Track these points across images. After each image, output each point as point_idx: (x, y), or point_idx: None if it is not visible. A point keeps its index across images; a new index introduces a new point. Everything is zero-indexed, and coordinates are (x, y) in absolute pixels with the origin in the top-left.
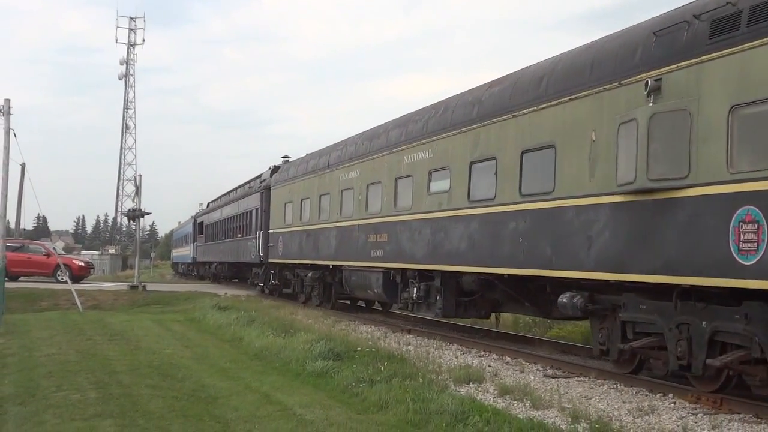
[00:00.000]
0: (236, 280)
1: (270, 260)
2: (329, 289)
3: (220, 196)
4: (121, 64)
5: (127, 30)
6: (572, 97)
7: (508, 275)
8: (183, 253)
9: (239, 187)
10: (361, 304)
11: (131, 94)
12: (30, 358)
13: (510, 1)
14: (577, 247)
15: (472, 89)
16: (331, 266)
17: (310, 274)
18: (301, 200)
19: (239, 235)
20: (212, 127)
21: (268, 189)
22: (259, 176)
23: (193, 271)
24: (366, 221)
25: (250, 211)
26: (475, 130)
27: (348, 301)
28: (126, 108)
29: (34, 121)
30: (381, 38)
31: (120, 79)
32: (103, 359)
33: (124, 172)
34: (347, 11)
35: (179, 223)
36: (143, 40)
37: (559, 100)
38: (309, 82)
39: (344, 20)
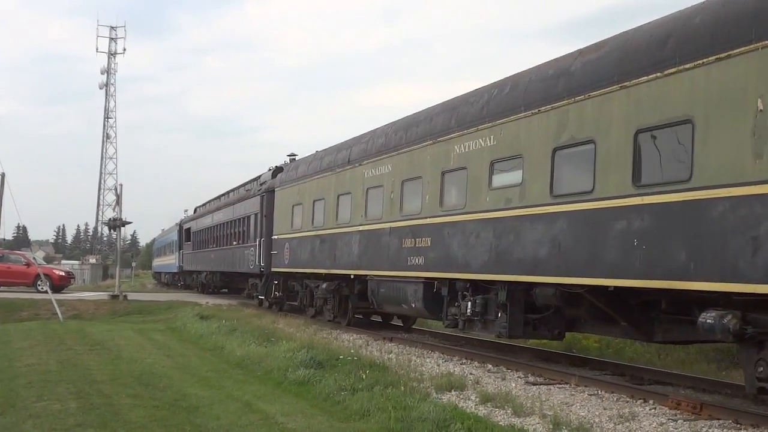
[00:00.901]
0: (225, 290)
1: (274, 270)
2: (345, 302)
3: (211, 200)
4: (102, 73)
5: (107, 39)
6: (722, 56)
7: (614, 287)
8: (167, 261)
9: (233, 190)
10: (376, 318)
11: (112, 104)
12: (10, 368)
13: (491, 10)
14: (734, 252)
15: (550, 61)
16: (352, 276)
17: (324, 285)
18: (313, 202)
19: (234, 243)
20: (194, 136)
21: (270, 191)
22: (258, 178)
23: (179, 280)
24: (401, 224)
25: (248, 217)
26: (560, 109)
27: (360, 316)
28: (107, 117)
29: (14, 130)
30: (363, 47)
31: (101, 88)
32: (84, 369)
33: (104, 181)
34: (329, 20)
35: (162, 230)
36: (124, 50)
37: (700, 62)
38: (292, 91)
39: (326, 29)
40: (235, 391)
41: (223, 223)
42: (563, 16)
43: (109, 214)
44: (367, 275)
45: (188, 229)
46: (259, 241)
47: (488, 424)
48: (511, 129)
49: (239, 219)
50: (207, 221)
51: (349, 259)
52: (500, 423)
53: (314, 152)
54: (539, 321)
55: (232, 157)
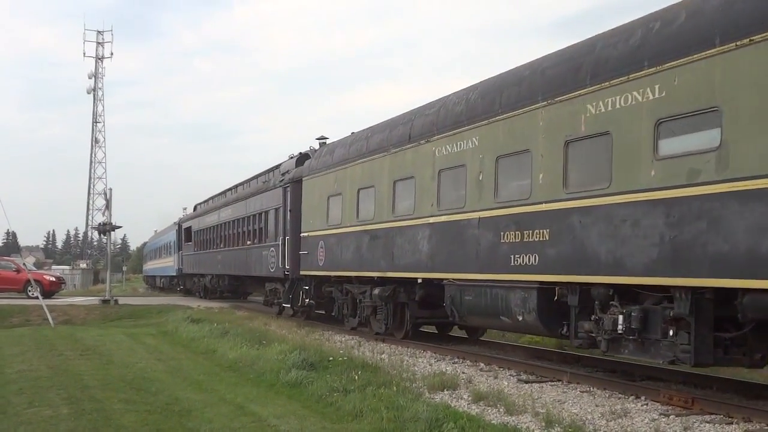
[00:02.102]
0: (228, 294)
1: (303, 273)
2: (401, 311)
3: (215, 195)
4: (90, 77)
5: (94, 44)
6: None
7: None
8: (163, 264)
9: (245, 183)
10: (428, 328)
11: (100, 108)
12: (1, 375)
13: (480, 10)
14: None
15: None
16: (419, 280)
17: (376, 291)
18: (358, 191)
19: (248, 243)
20: (184, 139)
21: (296, 182)
22: (277, 167)
23: (178, 284)
24: (496, 212)
25: (266, 212)
26: None
27: (405, 325)
28: (95, 122)
29: (2, 136)
30: (352, 48)
31: (89, 92)
32: (75, 374)
33: (94, 185)
34: (317, 22)
35: (155, 231)
36: (111, 54)
37: None
38: (280, 92)
39: (315, 31)
40: (228, 394)
41: (233, 221)
42: (554, 15)
43: (99, 218)
44: (443, 279)
45: (188, 229)
46: (283, 240)
47: (481, 422)
48: (696, 72)
49: (255, 215)
50: (212, 219)
51: (415, 259)
52: (493, 422)
53: (350, 134)
54: (734, 341)
55: (221, 158)
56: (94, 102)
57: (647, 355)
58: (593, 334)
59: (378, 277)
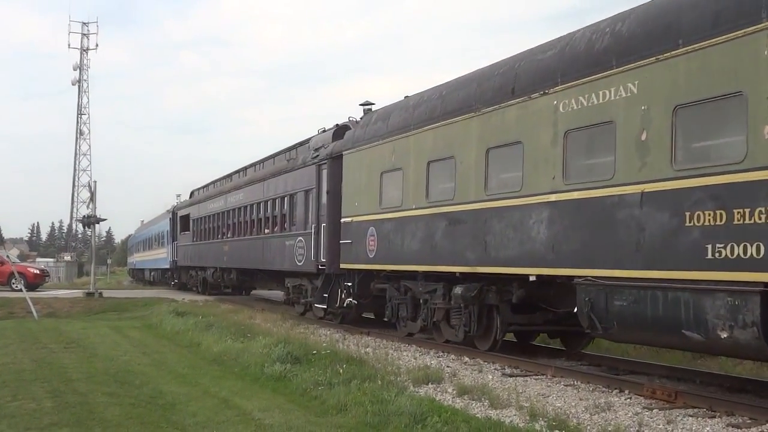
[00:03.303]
0: (229, 290)
1: (344, 266)
2: (491, 315)
3: (220, 179)
4: (74, 69)
5: (79, 35)
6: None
7: None
8: (153, 256)
9: (257, 163)
10: (536, 340)
11: (85, 100)
12: None
13: (468, 4)
14: None
15: None
16: (532, 278)
17: (457, 290)
18: (428, 164)
19: (266, 231)
20: (169, 132)
21: (335, 157)
22: (304, 143)
23: (172, 278)
24: (676, 185)
25: (292, 196)
26: None
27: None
28: (80, 114)
29: None
30: (341, 41)
31: (73, 84)
32: (59, 367)
33: (78, 178)
34: (305, 15)
35: (142, 222)
36: (96, 45)
37: None
38: (269, 86)
39: (303, 24)
40: (212, 388)
41: (245, 207)
42: (546, 10)
43: (84, 211)
44: (573, 277)
45: (185, 217)
46: (316, 227)
47: (465, 416)
48: None
49: (275, 199)
50: (216, 206)
51: (524, 250)
52: (477, 415)
53: (403, 98)
54: None
55: (208, 153)
56: (79, 94)
57: None
58: None
59: (459, 273)
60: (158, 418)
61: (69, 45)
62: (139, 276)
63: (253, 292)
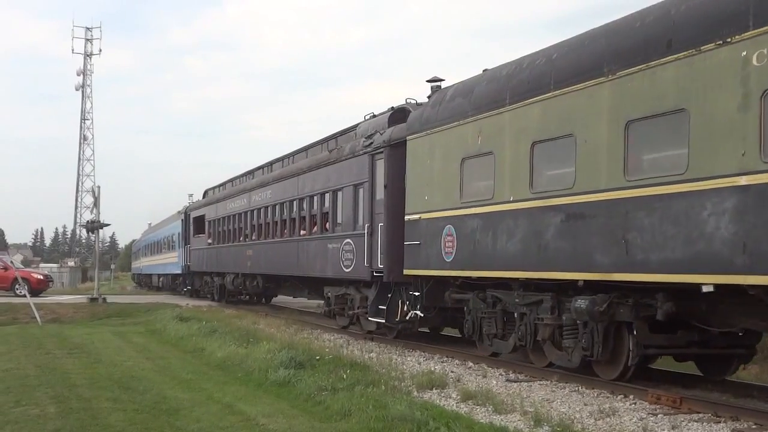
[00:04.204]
0: (244, 298)
1: (409, 272)
2: (620, 335)
3: (243, 175)
4: (78, 74)
5: (83, 40)
6: None
7: None
8: (163, 260)
9: (287, 157)
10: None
11: (89, 105)
12: None
13: (470, 9)
14: None
15: None
16: (707, 288)
17: (581, 304)
18: (533, 145)
19: (302, 233)
20: (173, 137)
21: (395, 145)
22: (350, 130)
23: (184, 284)
24: None
25: (337, 191)
26: None
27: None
28: (83, 119)
29: None
30: (343, 46)
31: (77, 89)
32: (63, 373)
33: (82, 183)
34: (308, 20)
35: (149, 225)
36: (100, 50)
37: None
38: (272, 90)
39: (306, 28)
40: (216, 393)
41: (274, 205)
42: (548, 15)
43: (88, 216)
44: None
45: (199, 218)
46: (370, 227)
47: (469, 421)
48: None
49: (313, 196)
50: (237, 205)
51: (693, 251)
52: (481, 420)
53: (482, 72)
54: None
55: (212, 157)
56: (82, 99)
57: None
58: None
59: (582, 281)
60: (162, 424)
61: (73, 50)
62: (146, 282)
63: (275, 299)
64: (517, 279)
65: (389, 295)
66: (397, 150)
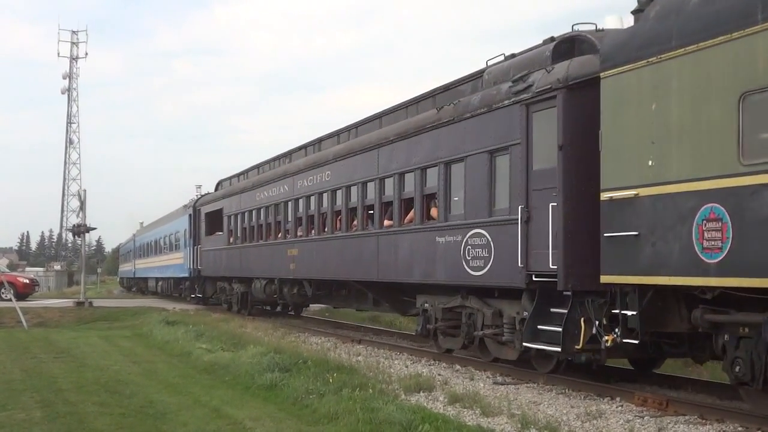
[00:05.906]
0: (269, 308)
1: (613, 279)
2: None
3: (276, 158)
4: (64, 78)
5: (69, 44)
6: None
7: None
8: (163, 262)
9: (361, 123)
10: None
11: (75, 109)
12: None
13: (459, 15)
14: None
15: None
16: None
17: None
18: None
19: (387, 223)
20: (161, 141)
21: (577, 86)
22: (476, 76)
23: (191, 290)
24: None
25: (449, 164)
26: None
27: None
28: (69, 122)
29: None
30: (333, 50)
31: (63, 93)
32: (49, 377)
33: (68, 187)
34: (298, 24)
35: (141, 224)
36: (86, 54)
37: None
38: (261, 95)
39: (295, 33)
40: (203, 397)
41: (337, 189)
42: (528, 18)
43: (74, 220)
44: None
45: (214, 213)
46: (526, 211)
47: (456, 424)
48: None
49: (411, 172)
50: (275, 193)
51: None
52: (468, 423)
53: None
54: None
55: (200, 161)
56: (68, 103)
57: None
58: None
59: None
60: (149, 428)
61: (59, 53)
62: (140, 286)
63: (305, 311)
64: None
65: (565, 312)
66: (579, 94)
